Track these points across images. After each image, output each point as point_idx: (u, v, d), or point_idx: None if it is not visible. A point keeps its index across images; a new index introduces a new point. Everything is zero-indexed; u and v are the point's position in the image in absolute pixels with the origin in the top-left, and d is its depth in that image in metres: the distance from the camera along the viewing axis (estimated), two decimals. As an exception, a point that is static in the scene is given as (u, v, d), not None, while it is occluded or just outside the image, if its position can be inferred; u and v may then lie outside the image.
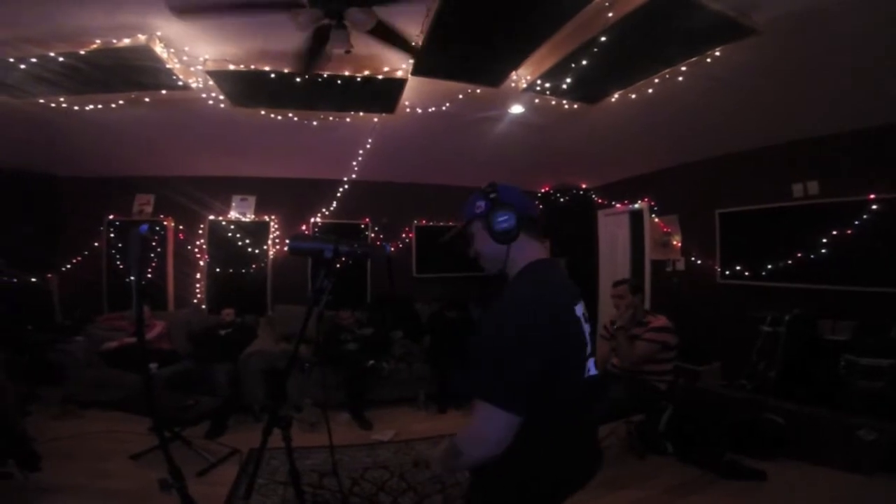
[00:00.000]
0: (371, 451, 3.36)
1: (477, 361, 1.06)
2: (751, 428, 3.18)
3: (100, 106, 3.46)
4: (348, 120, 3.93)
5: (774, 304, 3.82)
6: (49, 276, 4.83)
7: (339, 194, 5.59)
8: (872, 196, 3.43)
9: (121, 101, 3.41)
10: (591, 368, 1.19)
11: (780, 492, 2.73)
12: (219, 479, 2.82)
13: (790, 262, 3.91)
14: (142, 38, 2.61)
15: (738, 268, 4.37)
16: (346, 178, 5.42)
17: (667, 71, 2.94)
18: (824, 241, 3.68)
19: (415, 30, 2.66)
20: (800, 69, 2.84)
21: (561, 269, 1.22)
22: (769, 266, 4.07)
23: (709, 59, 2.75)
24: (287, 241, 5.47)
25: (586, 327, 1.17)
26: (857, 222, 3.50)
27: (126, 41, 2.63)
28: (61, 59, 2.73)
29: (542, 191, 6.49)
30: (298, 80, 3.16)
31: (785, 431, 3.10)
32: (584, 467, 1.19)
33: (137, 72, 2.91)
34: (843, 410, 3.05)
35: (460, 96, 3.46)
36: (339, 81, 3.22)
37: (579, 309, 1.17)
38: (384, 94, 3.41)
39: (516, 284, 1.15)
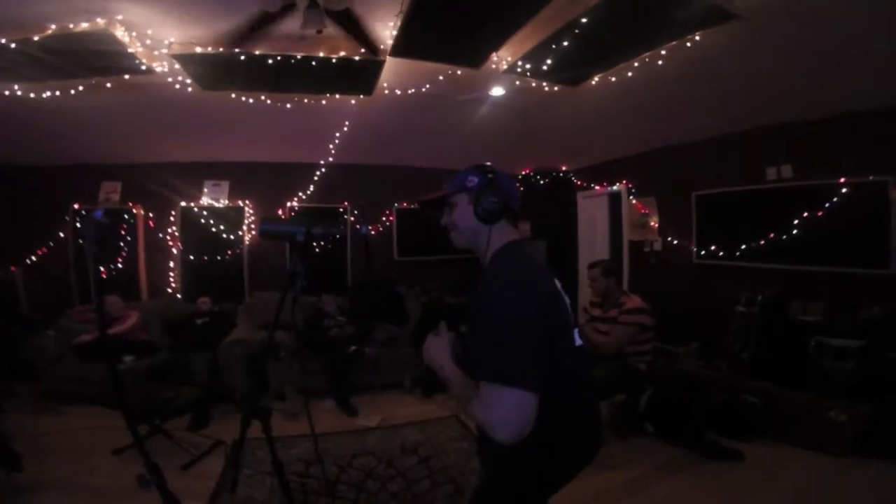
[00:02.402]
0: (358, 437, 3.37)
1: (481, 344, 1.06)
2: (728, 409, 3.27)
3: (58, 93, 3.27)
4: (324, 102, 3.81)
5: (749, 284, 3.92)
6: (13, 268, 4.64)
7: (316, 178, 5.47)
8: (843, 179, 3.52)
9: (80, 88, 3.23)
10: (577, 339, 1.22)
11: (757, 472, 2.81)
12: (204, 472, 2.79)
13: (763, 242, 4.01)
14: (101, 22, 2.46)
15: (713, 248, 4.48)
16: (323, 162, 5.30)
17: (647, 54, 2.92)
18: (797, 222, 3.78)
19: (393, 9, 2.57)
20: (777, 55, 2.84)
21: (533, 249, 1.24)
22: (743, 246, 4.18)
23: (689, 44, 2.73)
24: (258, 225, 5.36)
25: (566, 300, 1.22)
26: (828, 204, 3.60)
27: (84, 25, 2.47)
28: (13, 45, 2.55)
29: (523, 173, 6.49)
30: (270, 61, 3.04)
31: (761, 412, 3.20)
32: (592, 440, 1.22)
33: (97, 57, 2.75)
34: (815, 391, 3.13)
35: (440, 77, 3.39)
36: (313, 63, 3.10)
37: (557, 283, 1.22)
38: (361, 75, 3.31)
39: (500, 264, 1.17)
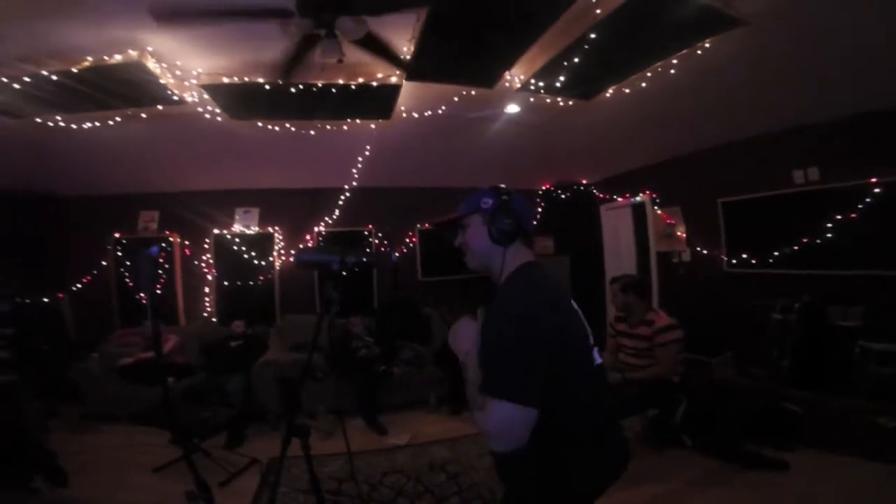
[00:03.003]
0: (388, 455, 3.38)
1: (488, 361, 1.07)
2: (768, 417, 3.16)
3: (97, 123, 3.49)
4: (346, 128, 3.96)
5: (783, 291, 3.80)
6: (60, 295, 4.91)
7: (340, 202, 5.63)
8: (874, 180, 3.40)
9: (117, 118, 3.44)
10: (597, 357, 1.22)
11: (801, 481, 2.70)
12: (241, 490, 2.85)
13: (796, 248, 3.89)
14: (133, 53, 2.63)
15: (744, 256, 4.35)
16: (347, 186, 5.46)
17: (658, 64, 2.95)
18: (828, 226, 3.65)
19: (406, 35, 2.68)
20: (790, 57, 2.83)
21: (545, 270, 1.24)
22: (775, 253, 4.05)
23: (699, 51, 2.75)
24: (294, 255, 5.50)
25: (583, 320, 1.22)
26: (860, 206, 3.47)
27: (118, 58, 2.65)
28: (54, 77, 2.75)
29: (543, 188, 6.50)
30: (293, 90, 3.19)
31: (802, 420, 3.08)
32: (614, 458, 1.20)
33: (132, 88, 2.94)
34: (859, 397, 3.01)
35: (455, 99, 3.49)
36: (333, 90, 3.25)
37: (573, 303, 1.22)
38: (379, 100, 3.44)
39: (513, 283, 1.18)
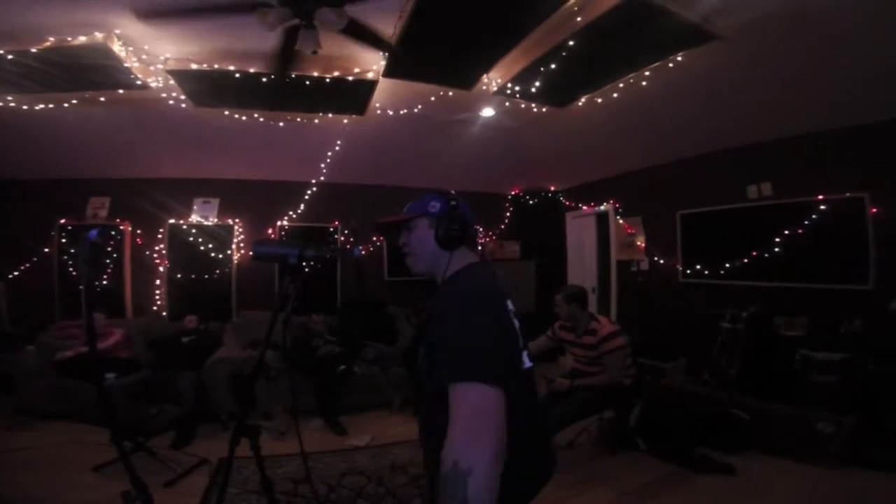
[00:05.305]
0: (347, 456, 3.30)
1: (442, 355, 1.01)
2: (717, 423, 3.28)
3: (51, 105, 3.29)
4: (317, 121, 3.87)
5: (734, 302, 3.97)
6: (-4, 282, 4.55)
7: (307, 197, 5.49)
8: (821, 197, 3.62)
9: (74, 101, 3.25)
10: (527, 361, 1.19)
11: (748, 485, 2.81)
12: (188, 490, 2.72)
13: (747, 260, 4.10)
14: (99, 36, 2.51)
15: (698, 267, 4.55)
16: (314, 181, 5.33)
17: (631, 76, 3.04)
18: (778, 240, 3.87)
19: (387, 31, 2.65)
20: (756, 74, 2.98)
21: (492, 272, 1.24)
22: (728, 265, 4.25)
23: (671, 64, 2.86)
24: (251, 247, 5.32)
25: (516, 321, 1.18)
26: (807, 222, 3.69)
27: (82, 39, 2.51)
28: (10, 57, 2.59)
29: (513, 193, 6.58)
30: (265, 80, 3.09)
31: (750, 426, 3.21)
32: (543, 464, 1.18)
33: (92, 71, 2.79)
34: (801, 404, 3.16)
35: (432, 98, 3.47)
36: (307, 82, 3.16)
37: (509, 304, 1.19)
38: (354, 95, 3.38)
39: (459, 281, 1.18)
